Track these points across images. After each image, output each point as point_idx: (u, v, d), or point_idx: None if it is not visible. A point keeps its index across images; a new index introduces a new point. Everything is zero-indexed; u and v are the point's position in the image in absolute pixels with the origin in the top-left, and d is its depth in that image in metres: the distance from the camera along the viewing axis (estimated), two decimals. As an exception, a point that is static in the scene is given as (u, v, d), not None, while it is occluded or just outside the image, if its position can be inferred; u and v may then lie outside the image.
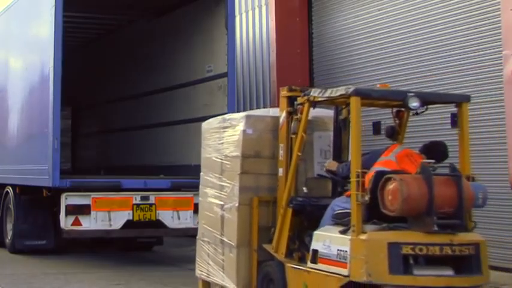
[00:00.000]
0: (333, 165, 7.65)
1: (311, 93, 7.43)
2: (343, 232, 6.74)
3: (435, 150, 7.47)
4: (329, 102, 7.61)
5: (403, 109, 7.57)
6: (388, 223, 6.62)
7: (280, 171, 7.83)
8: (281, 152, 7.84)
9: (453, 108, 11.59)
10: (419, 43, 12.11)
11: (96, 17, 15.84)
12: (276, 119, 8.11)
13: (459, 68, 11.40)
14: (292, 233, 7.57)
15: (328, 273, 6.80)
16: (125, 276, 10.78)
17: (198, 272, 8.85)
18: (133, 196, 11.69)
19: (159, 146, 14.35)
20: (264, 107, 14.90)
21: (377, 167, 7.01)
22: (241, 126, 8.22)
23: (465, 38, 11.30)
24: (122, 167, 15.27)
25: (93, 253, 13.51)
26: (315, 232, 7.17)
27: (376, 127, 12.82)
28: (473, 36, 11.16)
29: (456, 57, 11.45)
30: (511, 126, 9.72)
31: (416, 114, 7.59)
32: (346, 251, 6.60)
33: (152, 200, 11.71)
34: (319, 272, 6.94)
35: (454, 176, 6.82)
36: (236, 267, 8.06)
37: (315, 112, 7.90)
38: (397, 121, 7.77)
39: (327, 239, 6.92)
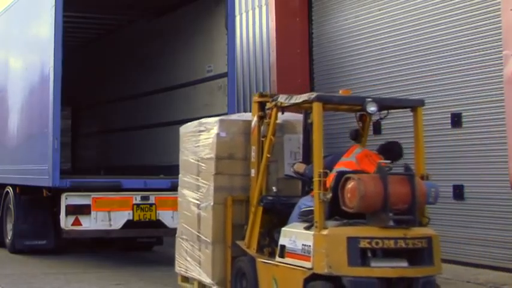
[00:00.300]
0: (300, 167, 8.08)
1: (278, 99, 7.89)
2: (307, 228, 7.16)
3: (391, 150, 7.84)
4: (296, 107, 8.00)
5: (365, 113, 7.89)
6: (348, 219, 7.06)
7: (252, 171, 8.27)
8: (253, 154, 8.30)
9: (453, 109, 11.67)
10: (420, 43, 12.11)
11: (96, 17, 15.83)
12: (248, 122, 8.55)
13: (459, 68, 11.41)
14: (263, 230, 8.01)
15: (294, 267, 7.22)
16: (125, 276, 10.78)
17: (177, 268, 9.28)
18: (134, 196, 11.68)
19: (159, 146, 14.34)
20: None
21: (338, 167, 7.44)
22: (215, 130, 8.66)
23: (465, 38, 11.31)
24: (122, 167, 15.27)
25: (93, 253, 13.51)
26: (283, 229, 7.58)
27: (376, 127, 12.87)
28: (474, 37, 11.17)
29: (456, 57, 11.46)
30: (511, 126, 9.72)
31: (380, 119, 8.04)
32: (309, 246, 7.03)
33: (152, 200, 11.71)
34: (286, 265, 7.35)
35: (408, 175, 7.23)
36: (212, 262, 8.49)
37: (285, 116, 8.40)
38: (361, 124, 8.19)
39: (293, 235, 7.35)
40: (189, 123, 9.45)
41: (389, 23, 12.80)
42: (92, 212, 11.53)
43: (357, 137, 8.16)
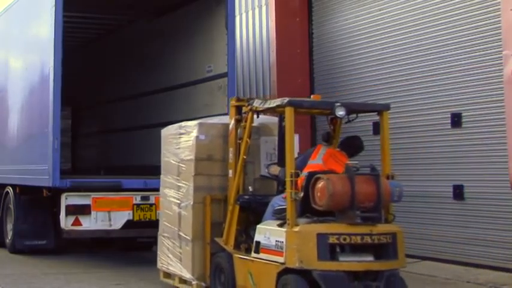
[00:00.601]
0: (275, 170, 8.50)
1: (254, 104, 8.36)
2: (280, 225, 7.61)
3: (352, 145, 8.50)
4: (271, 111, 8.42)
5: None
6: (319, 217, 7.51)
7: (230, 172, 8.70)
8: (230, 155, 8.74)
9: (453, 109, 11.68)
10: (420, 43, 12.11)
11: (96, 17, 15.83)
12: (226, 125, 8.96)
13: (460, 68, 11.41)
14: (240, 227, 8.45)
15: (268, 262, 7.68)
16: (125, 276, 10.78)
17: (159, 265, 9.72)
18: (134, 196, 11.68)
19: (159, 146, 14.30)
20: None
21: (307, 171, 7.86)
22: (195, 133, 9.08)
23: (466, 38, 11.31)
24: (122, 167, 15.27)
25: (93, 253, 13.51)
26: (258, 226, 8.02)
27: (376, 127, 12.89)
28: (474, 37, 11.17)
29: (457, 57, 11.46)
30: (511, 126, 9.72)
31: (349, 121, 8.52)
32: (282, 242, 7.47)
33: (152, 200, 11.70)
34: (261, 260, 7.80)
35: (374, 175, 7.66)
36: (191, 258, 8.92)
37: (262, 119, 8.93)
38: (332, 127, 8.66)
39: (267, 232, 7.79)
40: (170, 126, 9.83)
41: (389, 23, 12.80)
42: (92, 212, 11.53)
43: (329, 139, 8.60)
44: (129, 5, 14.58)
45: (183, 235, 9.12)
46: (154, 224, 11.74)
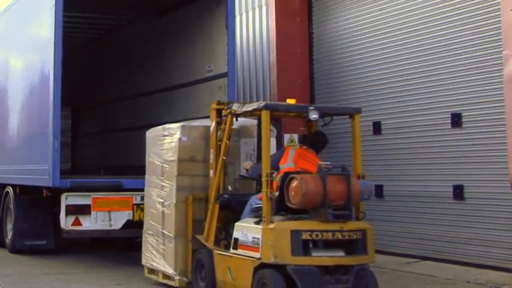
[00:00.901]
0: (248, 165, 9.02)
1: (232, 107, 8.76)
2: (256, 223, 8.04)
3: (318, 140, 8.88)
4: (250, 114, 8.76)
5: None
6: (293, 215, 7.95)
7: (211, 172, 9.14)
8: (211, 156, 9.17)
9: (453, 109, 11.67)
10: (420, 43, 12.11)
11: (96, 17, 15.83)
12: (208, 128, 9.39)
13: (460, 68, 11.41)
14: (220, 225, 8.86)
15: (246, 257, 8.11)
16: (124, 276, 10.78)
17: (144, 261, 10.13)
18: (134, 196, 11.67)
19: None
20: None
21: (281, 174, 8.20)
22: (177, 135, 9.48)
23: (466, 38, 11.31)
24: (121, 167, 15.26)
25: (93, 253, 13.50)
26: (236, 223, 8.45)
27: (376, 127, 12.90)
28: (474, 37, 11.17)
29: (457, 57, 11.46)
30: (511, 126, 9.71)
31: (324, 124, 9.00)
32: (258, 238, 7.90)
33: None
34: (239, 256, 8.23)
35: (344, 175, 8.04)
36: (174, 255, 9.33)
37: (242, 122, 9.33)
38: (308, 129, 8.99)
39: (245, 229, 8.22)
40: (154, 128, 10.23)
41: (389, 23, 12.79)
42: (92, 212, 11.52)
43: (305, 140, 8.95)
44: (129, 5, 14.58)
45: (166, 232, 9.50)
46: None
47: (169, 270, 9.42)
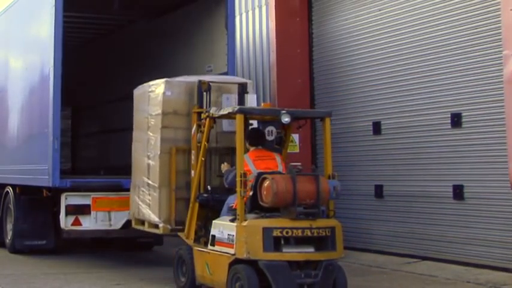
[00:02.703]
0: (224, 167, 9.43)
1: (210, 111, 9.18)
2: (231, 220, 8.47)
3: (259, 136, 9.24)
4: (226, 117, 9.19)
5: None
6: (266, 213, 8.36)
7: (192, 173, 9.48)
8: (193, 157, 9.53)
9: (453, 109, 11.68)
10: (420, 43, 12.11)
11: (96, 17, 15.82)
12: (191, 83, 9.94)
13: (459, 68, 11.41)
14: (200, 223, 9.30)
15: (222, 253, 8.55)
16: (124, 276, 10.78)
17: (131, 213, 10.68)
18: (134, 196, 11.67)
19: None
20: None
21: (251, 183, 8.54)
22: (162, 89, 9.98)
23: (465, 38, 11.31)
24: (121, 167, 15.23)
25: (93, 253, 13.50)
26: (213, 221, 8.89)
27: (376, 127, 12.89)
28: (474, 36, 11.17)
29: (456, 57, 11.46)
30: (511, 126, 9.72)
31: (300, 127, 9.43)
32: (233, 235, 8.33)
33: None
34: (216, 252, 8.67)
35: (314, 175, 8.47)
36: (159, 203, 9.83)
37: (222, 79, 10.26)
38: (283, 132, 9.47)
39: (221, 226, 8.66)
40: (141, 86, 10.70)
41: (389, 23, 12.80)
42: (92, 212, 11.53)
43: (281, 142, 9.50)
44: (129, 5, 14.57)
45: (151, 183, 10.01)
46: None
47: (155, 219, 9.90)
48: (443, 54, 11.68)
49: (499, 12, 10.29)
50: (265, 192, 8.31)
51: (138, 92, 10.77)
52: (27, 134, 13.09)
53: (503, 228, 10.68)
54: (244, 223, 8.25)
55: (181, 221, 9.68)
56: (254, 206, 8.46)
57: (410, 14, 12.34)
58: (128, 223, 11.59)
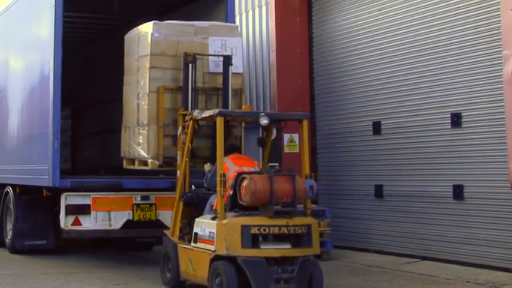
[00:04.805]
0: (207, 167, 9.73)
1: (193, 113, 9.54)
2: (212, 219, 8.81)
3: (232, 148, 9.65)
4: (208, 119, 9.47)
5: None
6: (245, 211, 8.68)
7: (178, 172, 9.80)
8: (178, 158, 9.87)
9: (453, 109, 11.68)
10: (420, 43, 12.12)
11: (96, 17, 15.81)
12: (180, 25, 10.65)
13: (459, 68, 11.42)
14: (185, 221, 9.64)
15: (203, 250, 8.88)
16: (124, 276, 10.78)
17: (122, 154, 11.31)
18: (134, 196, 11.66)
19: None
20: (264, 107, 14.90)
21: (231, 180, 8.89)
22: (150, 31, 10.49)
23: (465, 38, 11.32)
24: (121, 167, 15.23)
25: (93, 253, 13.50)
26: (196, 219, 9.22)
27: (376, 127, 12.88)
28: (473, 37, 11.18)
29: (456, 57, 11.47)
30: (510, 126, 9.72)
31: (279, 130, 9.82)
32: (213, 233, 8.67)
33: (152, 199, 11.69)
34: (198, 249, 9.00)
35: (290, 175, 8.77)
36: (147, 140, 10.41)
37: (212, 23, 10.87)
38: (265, 133, 9.86)
39: (203, 224, 8.99)
40: (131, 30, 11.19)
41: (389, 23, 12.80)
42: (92, 212, 11.51)
43: (263, 143, 9.91)
44: (129, 5, 14.57)
45: (141, 121, 10.57)
46: (154, 224, 11.77)
47: (144, 155, 10.48)
48: (443, 54, 11.68)
49: (499, 13, 10.29)
50: (243, 192, 8.59)
51: (128, 36, 11.26)
52: (27, 134, 13.08)
53: (503, 228, 10.68)
54: (224, 221, 8.57)
55: (168, 156, 10.28)
56: (234, 205, 8.77)
57: (410, 14, 12.35)
58: (127, 223, 11.60)
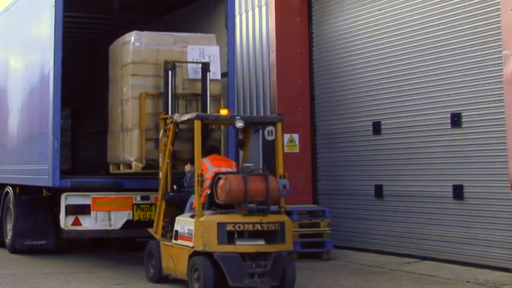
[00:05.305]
0: (187, 168, 10.17)
1: (174, 117, 10.01)
2: (191, 217, 9.27)
3: (211, 149, 10.09)
4: (187, 122, 9.92)
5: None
6: (222, 209, 9.16)
7: (160, 174, 10.27)
8: (160, 160, 10.33)
9: (453, 109, 11.68)
10: (420, 43, 12.11)
11: (96, 17, 15.80)
12: (160, 35, 11.26)
13: (459, 68, 11.42)
14: (167, 219, 10.07)
15: (183, 246, 9.34)
16: (124, 276, 10.79)
17: (109, 159, 11.78)
18: (134, 196, 11.67)
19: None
20: (264, 107, 14.91)
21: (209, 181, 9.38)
22: (132, 40, 11.12)
23: (465, 38, 11.32)
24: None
25: (93, 253, 13.51)
26: (176, 217, 9.71)
27: (376, 127, 12.88)
28: (473, 37, 11.18)
29: (456, 57, 11.47)
30: (510, 126, 9.72)
31: (256, 131, 10.41)
32: (192, 230, 9.13)
33: (152, 199, 11.67)
34: (178, 246, 9.47)
35: (264, 174, 9.24)
36: (131, 144, 10.95)
37: (191, 35, 11.54)
38: (243, 135, 10.17)
39: (183, 222, 9.47)
40: (115, 41, 11.77)
41: (389, 23, 12.80)
42: (92, 212, 11.51)
43: (241, 145, 10.28)
44: (129, 5, 14.56)
45: (125, 126, 11.11)
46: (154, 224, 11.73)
47: (128, 158, 10.99)
48: (443, 54, 11.68)
49: (499, 13, 10.29)
50: (219, 191, 9.07)
51: (112, 47, 11.84)
52: (27, 134, 13.08)
53: (503, 228, 10.68)
54: (201, 219, 9.03)
55: (151, 159, 10.79)
56: (212, 204, 9.25)
57: (410, 14, 12.35)
58: (127, 223, 11.60)
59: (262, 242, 9.02)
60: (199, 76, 11.07)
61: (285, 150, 14.13)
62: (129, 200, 11.65)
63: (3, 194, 13.62)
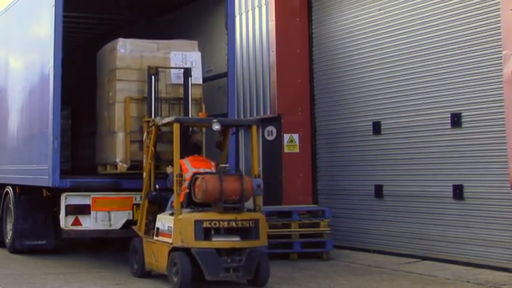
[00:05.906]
0: (169, 169, 10.50)
1: (156, 120, 10.49)
2: (171, 214, 9.79)
3: (196, 148, 10.66)
4: (167, 125, 10.24)
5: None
6: (200, 207, 9.65)
7: (144, 174, 10.70)
8: (144, 161, 10.75)
9: (453, 109, 11.69)
10: (420, 43, 12.12)
11: (96, 17, 15.79)
12: (144, 43, 11.86)
13: (459, 68, 11.42)
14: (150, 217, 10.51)
15: (163, 243, 9.83)
16: (124, 276, 10.78)
17: (97, 161, 12.28)
18: (134, 196, 11.65)
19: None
20: (264, 107, 14.91)
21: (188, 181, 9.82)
22: (117, 47, 11.65)
23: (465, 38, 11.32)
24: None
25: (93, 253, 13.51)
26: (158, 215, 10.21)
27: (376, 127, 12.89)
28: (473, 36, 11.18)
29: (456, 57, 11.47)
30: (510, 126, 9.73)
31: (235, 133, 11.02)
32: (171, 227, 9.62)
33: (152, 200, 11.69)
34: (159, 242, 9.95)
35: (238, 174, 9.83)
36: (116, 146, 11.44)
37: (175, 41, 12.09)
38: (222, 137, 10.63)
39: (163, 220, 9.96)
40: (101, 48, 12.34)
41: (389, 23, 12.81)
42: (92, 212, 11.52)
43: (220, 146, 10.70)
44: (129, 5, 14.56)
45: (111, 129, 11.58)
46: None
47: (114, 159, 11.44)
48: (442, 54, 11.69)
49: (499, 13, 10.30)
50: (197, 190, 9.55)
51: (99, 52, 12.39)
52: (27, 134, 13.08)
53: (503, 228, 10.69)
54: (180, 216, 9.51)
55: (136, 160, 11.25)
56: (190, 202, 9.74)
57: (410, 14, 12.35)
58: (127, 223, 11.60)
59: (237, 238, 9.48)
60: (182, 81, 11.53)
61: (285, 150, 14.14)
62: (129, 200, 11.65)
63: (3, 194, 13.62)
